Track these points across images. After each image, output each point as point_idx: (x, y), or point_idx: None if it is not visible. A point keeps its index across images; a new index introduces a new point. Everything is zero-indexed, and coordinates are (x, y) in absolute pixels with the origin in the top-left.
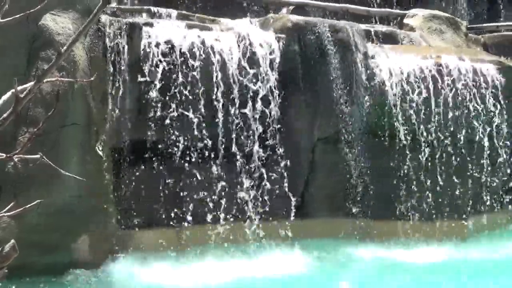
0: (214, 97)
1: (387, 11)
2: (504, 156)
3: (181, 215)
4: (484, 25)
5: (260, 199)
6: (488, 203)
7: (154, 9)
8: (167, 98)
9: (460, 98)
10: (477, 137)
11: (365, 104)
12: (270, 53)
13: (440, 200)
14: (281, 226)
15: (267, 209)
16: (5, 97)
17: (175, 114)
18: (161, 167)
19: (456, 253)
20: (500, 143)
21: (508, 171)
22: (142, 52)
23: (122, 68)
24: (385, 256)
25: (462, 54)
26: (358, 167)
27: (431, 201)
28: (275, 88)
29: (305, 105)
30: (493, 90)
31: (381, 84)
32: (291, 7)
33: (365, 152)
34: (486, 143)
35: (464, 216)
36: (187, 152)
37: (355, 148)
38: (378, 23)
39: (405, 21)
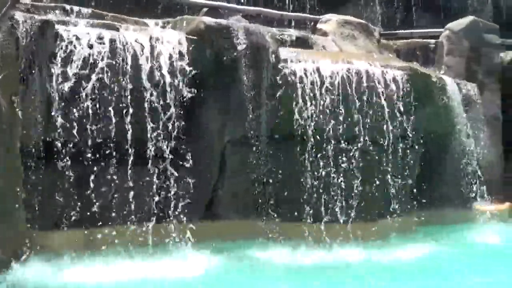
0: (123, 99)
1: (301, 15)
2: (411, 161)
3: (91, 216)
4: (398, 31)
5: (170, 200)
6: (398, 205)
7: (68, 6)
8: (77, 98)
9: (370, 103)
10: (386, 141)
11: (275, 107)
12: (182, 55)
13: (351, 202)
14: (189, 228)
15: (177, 210)
16: None
17: (85, 114)
18: (71, 168)
19: (367, 255)
20: (408, 147)
21: (416, 175)
22: (54, 50)
23: (34, 66)
24: (293, 259)
25: (373, 60)
26: (268, 169)
27: (342, 203)
28: (186, 90)
29: (215, 108)
30: (402, 95)
31: (291, 87)
32: (205, 9)
33: (275, 154)
34: (395, 147)
35: (375, 218)
36: (97, 153)
37: (265, 151)
38: (292, 27)
39: (319, 26)
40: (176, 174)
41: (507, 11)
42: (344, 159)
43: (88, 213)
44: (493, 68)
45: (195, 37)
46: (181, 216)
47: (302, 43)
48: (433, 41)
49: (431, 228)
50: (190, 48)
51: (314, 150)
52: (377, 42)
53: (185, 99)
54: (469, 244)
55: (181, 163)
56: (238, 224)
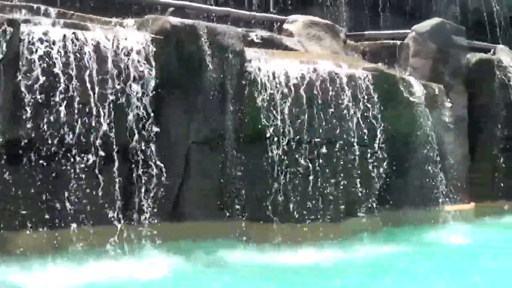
0: (88, 98)
1: (267, 16)
2: (377, 161)
3: (58, 217)
4: (364, 33)
5: (135, 201)
6: (364, 206)
7: (34, 6)
8: (43, 98)
9: (335, 104)
10: (352, 141)
11: (241, 107)
12: (147, 55)
13: (315, 203)
14: (155, 229)
15: (142, 211)
16: None
17: (50, 114)
18: (37, 167)
19: (333, 255)
20: (374, 148)
21: (382, 175)
22: (19, 49)
23: None
24: (260, 259)
25: (339, 60)
26: (233, 170)
27: (306, 204)
28: (151, 91)
29: (180, 109)
30: (368, 97)
31: (257, 88)
32: (171, 9)
33: (241, 154)
34: (360, 148)
35: (341, 218)
36: (63, 153)
37: (231, 151)
38: (258, 27)
39: (285, 26)
40: (140, 174)
41: (473, 12)
42: (310, 159)
43: (54, 214)
44: (460, 69)
45: (160, 37)
46: (147, 216)
47: (268, 43)
48: (399, 42)
49: (397, 229)
50: (156, 48)
51: (280, 150)
52: (343, 43)
53: (150, 98)
54: (435, 244)
55: (145, 163)
56: (205, 225)
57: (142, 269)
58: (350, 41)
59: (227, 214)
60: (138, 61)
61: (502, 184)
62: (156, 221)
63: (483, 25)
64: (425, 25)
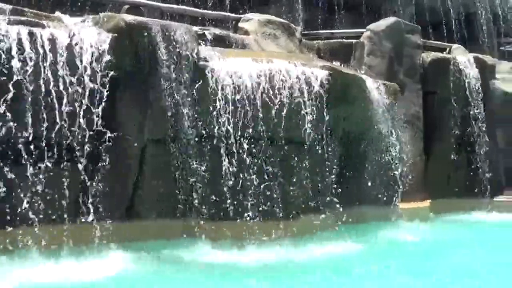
0: (39, 97)
1: (223, 14)
2: (331, 160)
3: (5, 217)
4: (319, 31)
5: (88, 200)
6: (319, 204)
7: None
8: None
9: (290, 102)
10: (305, 139)
11: (195, 106)
12: (102, 52)
13: (271, 201)
14: (110, 229)
15: (95, 210)
16: None
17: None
18: None
19: (285, 253)
20: (328, 146)
21: (337, 174)
22: None
23: None
24: (215, 258)
25: (294, 59)
26: (189, 169)
27: (263, 202)
28: (104, 89)
29: (134, 106)
30: (322, 95)
31: (211, 86)
32: (126, 6)
33: (195, 153)
34: (314, 146)
35: (295, 216)
36: (12, 152)
37: (186, 151)
38: (214, 26)
39: (240, 25)
40: (94, 173)
41: (429, 12)
42: (264, 157)
43: (3, 213)
44: (415, 68)
45: (115, 35)
46: (100, 216)
47: (223, 42)
48: (354, 41)
49: (353, 226)
50: (110, 46)
51: (234, 149)
52: (299, 41)
53: (103, 96)
54: (390, 241)
55: (99, 161)
56: (160, 224)
57: (97, 269)
58: (306, 40)
59: (183, 213)
60: (92, 59)
61: (457, 182)
62: (111, 220)
63: (439, 24)
64: (381, 24)
